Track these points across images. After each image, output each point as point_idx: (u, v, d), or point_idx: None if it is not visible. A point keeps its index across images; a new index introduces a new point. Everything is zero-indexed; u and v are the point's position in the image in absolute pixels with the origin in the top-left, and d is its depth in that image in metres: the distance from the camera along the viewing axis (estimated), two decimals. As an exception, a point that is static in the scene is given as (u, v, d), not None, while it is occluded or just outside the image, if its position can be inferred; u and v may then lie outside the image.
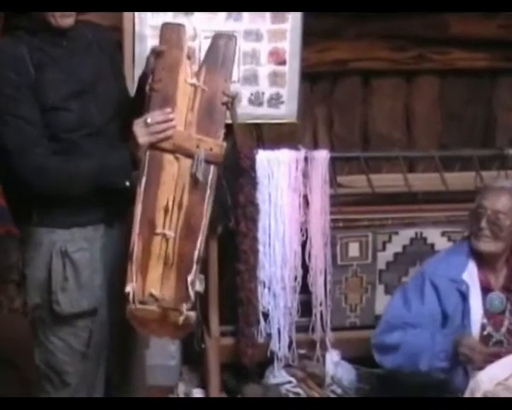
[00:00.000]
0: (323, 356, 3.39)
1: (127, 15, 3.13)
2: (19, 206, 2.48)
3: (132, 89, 2.70)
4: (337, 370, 3.39)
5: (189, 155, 2.35)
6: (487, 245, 2.87)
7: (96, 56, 2.52)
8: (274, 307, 3.35)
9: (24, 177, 2.35)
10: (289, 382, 3.37)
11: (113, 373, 2.62)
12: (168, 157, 2.36)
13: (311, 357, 3.41)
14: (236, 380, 3.41)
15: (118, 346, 2.61)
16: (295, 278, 3.35)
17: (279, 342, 3.35)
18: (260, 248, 3.31)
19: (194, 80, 2.38)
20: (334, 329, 3.40)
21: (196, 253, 2.35)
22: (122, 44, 3.12)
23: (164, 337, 2.45)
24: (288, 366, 3.38)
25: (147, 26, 3.14)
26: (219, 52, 2.40)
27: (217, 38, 2.42)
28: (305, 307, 3.38)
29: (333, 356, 3.39)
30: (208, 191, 2.37)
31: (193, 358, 3.46)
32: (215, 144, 2.37)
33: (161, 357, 3.37)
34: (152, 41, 3.11)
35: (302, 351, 3.40)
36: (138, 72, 3.04)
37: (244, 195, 3.26)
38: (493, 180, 3.17)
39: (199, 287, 2.37)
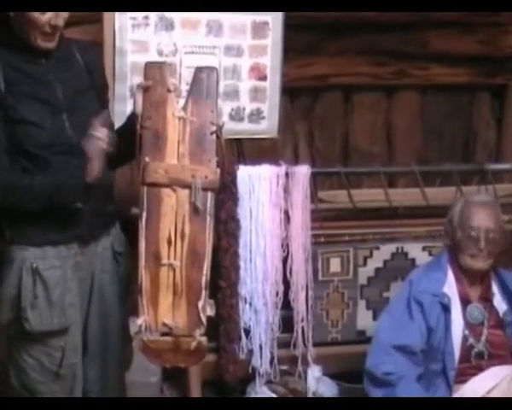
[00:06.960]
0: (305, 372, 3.38)
1: (107, 30, 3.11)
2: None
3: (113, 104, 2.68)
4: (319, 386, 3.37)
5: (186, 186, 2.37)
6: (485, 264, 2.93)
7: (77, 75, 2.50)
8: (255, 322, 3.33)
9: None
10: (271, 398, 3.36)
11: (92, 392, 2.60)
12: (165, 190, 2.37)
13: (292, 373, 3.39)
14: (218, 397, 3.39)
15: (96, 364, 2.59)
16: (277, 294, 3.33)
17: (261, 358, 3.34)
18: (241, 263, 3.30)
19: (181, 113, 2.40)
20: (315, 344, 3.39)
21: (204, 279, 2.36)
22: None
23: (178, 365, 2.44)
24: (269, 382, 3.36)
25: (127, 41, 3.12)
26: (203, 84, 2.41)
27: (198, 71, 2.44)
28: (287, 323, 3.36)
29: (314, 372, 3.38)
30: (208, 218, 2.38)
31: (174, 374, 3.43)
32: (209, 172, 2.38)
33: (142, 374, 3.32)
34: (132, 56, 3.11)
35: (284, 367, 3.39)
36: (118, 86, 3.07)
37: (225, 210, 3.25)
38: (471, 196, 3.16)
39: (210, 312, 2.37)
